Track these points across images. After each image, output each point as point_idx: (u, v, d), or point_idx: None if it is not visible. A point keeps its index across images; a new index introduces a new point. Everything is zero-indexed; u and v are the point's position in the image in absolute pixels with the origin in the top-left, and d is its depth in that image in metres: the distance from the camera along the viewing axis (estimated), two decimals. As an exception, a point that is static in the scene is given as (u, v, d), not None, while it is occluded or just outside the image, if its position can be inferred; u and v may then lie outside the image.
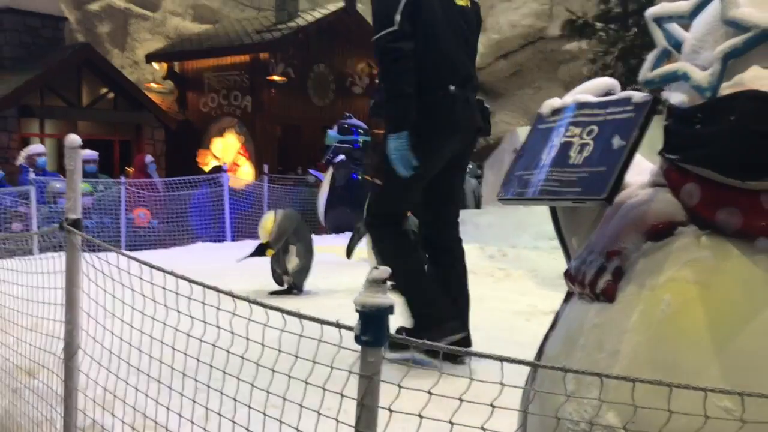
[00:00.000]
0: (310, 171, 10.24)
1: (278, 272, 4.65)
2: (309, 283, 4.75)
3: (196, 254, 6.93)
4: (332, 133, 8.76)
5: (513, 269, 5.96)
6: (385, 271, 1.31)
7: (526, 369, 1.56)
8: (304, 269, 4.62)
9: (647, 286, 1.36)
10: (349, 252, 4.98)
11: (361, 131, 8.86)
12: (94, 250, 2.19)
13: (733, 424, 1.16)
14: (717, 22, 1.38)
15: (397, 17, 2.92)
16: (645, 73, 1.45)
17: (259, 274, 4.74)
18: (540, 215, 8.11)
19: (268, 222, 4.56)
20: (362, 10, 16.64)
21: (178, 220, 8.46)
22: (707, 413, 1.15)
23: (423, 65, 3.00)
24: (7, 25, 13.56)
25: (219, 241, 7.67)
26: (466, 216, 10.01)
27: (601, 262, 1.44)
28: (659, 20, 1.48)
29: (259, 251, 4.44)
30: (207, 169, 12.76)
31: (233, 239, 8.29)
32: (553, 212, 1.72)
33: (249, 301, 1.48)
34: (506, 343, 3.31)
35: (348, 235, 5.85)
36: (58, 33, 14.50)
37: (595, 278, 1.43)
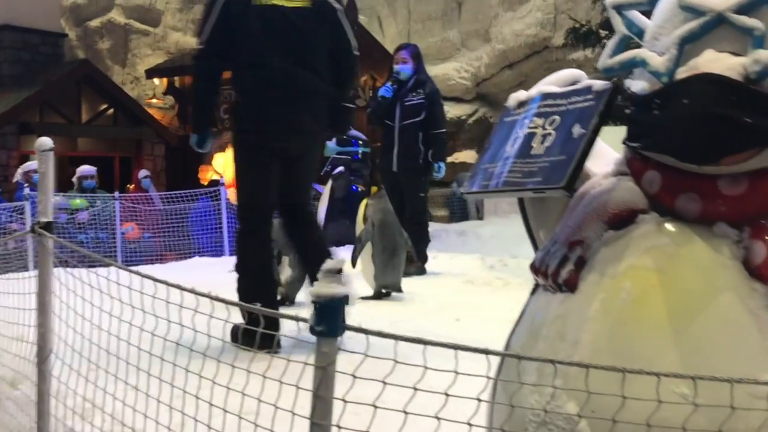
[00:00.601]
0: (309, 183, 10.23)
1: (271, 283, 4.61)
2: (302, 295, 4.72)
3: (192, 268, 6.92)
4: (331, 144, 8.76)
5: (512, 278, 5.92)
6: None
7: (491, 361, 1.54)
8: (297, 280, 4.58)
9: (608, 275, 1.35)
10: (354, 261, 4.98)
11: (361, 142, 8.87)
12: (67, 264, 2.17)
13: (688, 409, 1.14)
14: (675, 8, 1.37)
15: (204, 35, 3.26)
16: (604, 60, 1.44)
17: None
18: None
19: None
20: (364, 23, 16.73)
21: (175, 235, 8.46)
22: (664, 399, 1.14)
23: (242, 73, 3.35)
24: (6, 43, 13.65)
25: (217, 255, 7.66)
26: (467, 227, 10.07)
27: (563, 252, 1.43)
28: (619, 7, 1.48)
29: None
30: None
31: (231, 253, 8.29)
32: (521, 205, 1.71)
33: (210, 297, 1.47)
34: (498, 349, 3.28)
35: (349, 248, 5.82)
36: (58, 50, 14.60)
37: (558, 268, 1.42)
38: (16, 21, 13.63)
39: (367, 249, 4.94)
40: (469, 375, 1.23)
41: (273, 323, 2.48)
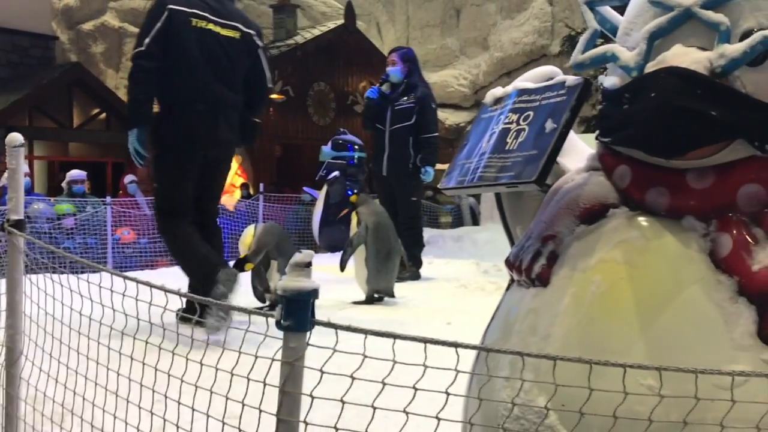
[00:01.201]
0: (305, 189, 10.22)
1: (260, 289, 4.57)
2: (337, 306, 4.68)
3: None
4: (326, 149, 8.75)
5: (505, 283, 5.88)
6: (309, 254, 1.29)
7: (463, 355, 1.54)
8: (287, 284, 4.56)
9: (579, 269, 1.35)
10: (343, 265, 4.94)
11: (357, 147, 8.85)
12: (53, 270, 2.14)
13: (656, 401, 1.13)
14: (646, 4, 1.38)
15: (147, 40, 3.64)
16: (576, 56, 1.44)
17: (242, 291, 4.69)
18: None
19: (248, 236, 4.49)
20: (362, 28, 16.77)
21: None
22: (632, 391, 1.13)
23: (174, 84, 3.73)
24: (-6, 45, 13.38)
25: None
26: (464, 232, 10.04)
27: (537, 247, 1.43)
28: (591, 4, 1.48)
29: (238, 266, 4.35)
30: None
31: (226, 258, 8.25)
32: (499, 201, 1.71)
33: (179, 294, 1.46)
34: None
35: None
36: (49, 53, 14.32)
37: (531, 263, 1.42)
38: (5, 23, 13.35)
39: (361, 253, 4.90)
40: (437, 368, 1.23)
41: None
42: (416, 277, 6.16)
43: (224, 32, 3.87)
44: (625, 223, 1.34)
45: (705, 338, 1.18)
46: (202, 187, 3.96)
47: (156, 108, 3.93)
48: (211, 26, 3.81)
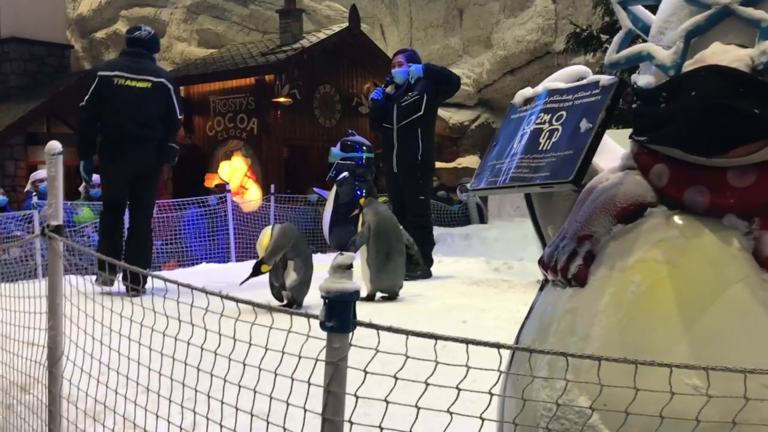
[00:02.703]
0: (315, 189, 10.24)
1: (276, 287, 4.61)
2: (308, 299, 4.73)
3: (199, 275, 6.92)
4: (335, 150, 8.76)
5: (517, 281, 5.91)
6: (350, 257, 1.30)
7: (504, 358, 1.54)
8: (303, 284, 4.58)
9: (617, 268, 1.35)
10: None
11: (365, 148, 8.85)
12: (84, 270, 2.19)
13: (701, 401, 1.14)
14: (681, 2, 1.38)
15: (86, 98, 5.47)
16: (610, 55, 1.44)
17: (259, 290, 4.72)
18: (545, 227, 8.13)
19: (265, 238, 4.52)
20: (367, 31, 16.78)
21: (181, 242, 8.47)
22: (676, 391, 1.14)
23: (104, 125, 5.47)
24: (13, 55, 13.73)
25: (223, 261, 7.66)
26: (472, 231, 10.05)
27: (572, 247, 1.43)
28: (625, 3, 1.48)
29: (256, 270, 4.38)
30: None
31: (237, 260, 8.29)
32: (529, 201, 1.71)
33: (221, 296, 1.48)
34: (506, 351, 3.27)
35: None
36: (64, 61, 14.68)
37: (567, 263, 1.42)
38: (23, 33, 13.73)
39: (365, 253, 4.98)
40: (480, 369, 1.23)
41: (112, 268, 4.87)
42: (427, 275, 6.16)
43: (138, 84, 5.47)
44: (664, 222, 1.34)
45: (751, 337, 1.18)
46: (134, 197, 5.57)
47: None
48: (128, 82, 5.45)
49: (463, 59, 19.02)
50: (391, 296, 5.04)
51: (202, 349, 1.54)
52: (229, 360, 1.47)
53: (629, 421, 1.19)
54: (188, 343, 1.57)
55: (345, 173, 8.19)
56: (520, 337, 1.54)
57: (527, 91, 1.68)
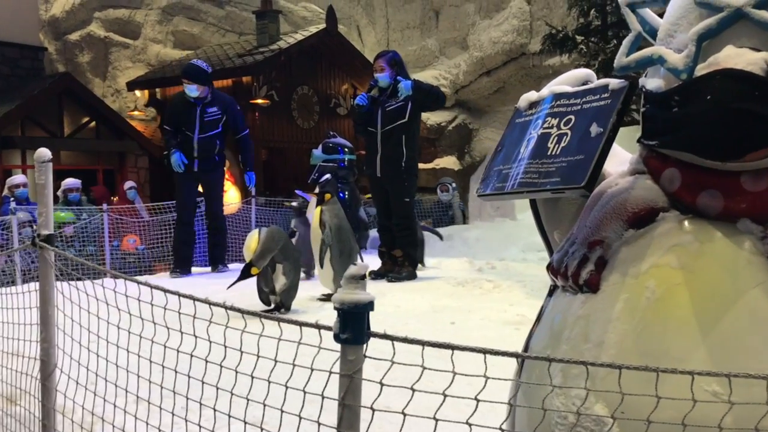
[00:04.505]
0: (297, 192, 10.17)
1: (265, 291, 4.57)
2: (296, 302, 4.70)
3: (183, 279, 6.85)
4: (317, 152, 8.72)
5: (501, 281, 5.92)
6: (364, 267, 1.28)
7: (512, 366, 1.53)
8: (291, 288, 4.56)
9: (631, 274, 1.34)
10: (321, 262, 5.05)
11: (347, 150, 8.82)
12: (73, 279, 2.13)
13: (721, 408, 1.13)
14: (690, 4, 1.37)
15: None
16: (620, 58, 1.43)
17: (246, 295, 4.67)
18: (528, 228, 8.15)
19: (253, 241, 4.49)
20: (344, 32, 16.74)
21: (164, 246, 8.37)
22: (697, 398, 1.12)
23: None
24: (-15, 57, 13.55)
25: (207, 265, 7.57)
26: (454, 231, 10.05)
27: (583, 253, 1.42)
28: (633, 6, 1.47)
29: (245, 273, 4.33)
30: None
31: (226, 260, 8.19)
32: (534, 207, 1.69)
33: (225, 307, 1.44)
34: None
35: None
36: (38, 63, 14.48)
37: (578, 269, 1.41)
38: (-5, 36, 13.54)
39: (326, 253, 5.07)
40: (497, 379, 1.21)
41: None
42: (413, 276, 6.15)
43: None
44: (677, 227, 1.33)
45: (769, 342, 1.18)
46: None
47: None
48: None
49: (440, 60, 19.04)
50: None
51: (206, 362, 1.50)
52: (236, 372, 1.44)
53: (650, 429, 1.18)
54: (191, 355, 1.54)
55: (327, 175, 8.14)
56: (530, 344, 1.52)
57: (532, 95, 1.66)
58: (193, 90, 6.87)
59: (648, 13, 1.50)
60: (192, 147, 6.94)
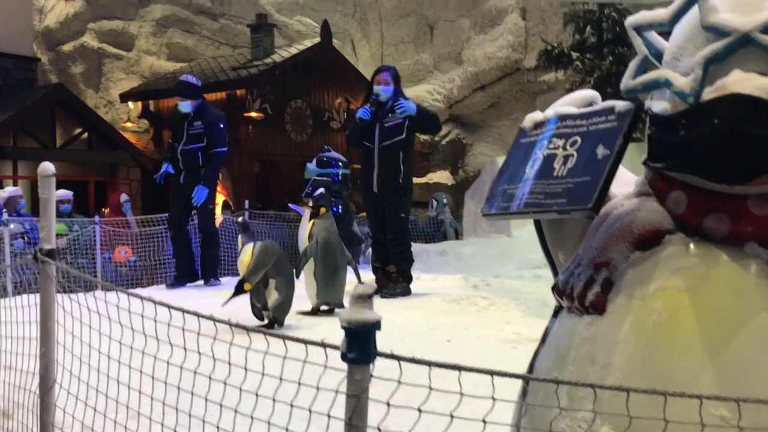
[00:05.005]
0: (291, 205, 10.17)
1: (258, 307, 4.54)
2: (289, 317, 4.68)
3: (175, 292, 6.82)
4: (311, 166, 8.73)
5: (497, 298, 5.92)
6: (371, 286, 1.27)
7: (517, 387, 1.52)
8: (284, 303, 4.53)
9: (637, 296, 1.34)
10: (297, 273, 5.07)
11: (341, 164, 8.84)
12: (72, 291, 2.12)
13: (728, 432, 1.13)
14: (697, 28, 1.38)
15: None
16: (627, 81, 1.44)
17: (239, 310, 4.65)
18: (523, 244, 8.16)
19: (246, 256, 4.46)
20: (338, 46, 16.80)
21: (156, 259, 8.34)
22: (704, 422, 1.12)
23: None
24: (-21, 68, 13.54)
25: (199, 278, 7.54)
26: (448, 247, 10.06)
27: (589, 274, 1.42)
28: (639, 29, 1.48)
29: (239, 289, 4.30)
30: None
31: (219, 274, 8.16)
32: (538, 227, 1.69)
33: (230, 324, 1.43)
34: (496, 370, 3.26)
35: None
36: (31, 74, 14.50)
37: (584, 291, 1.41)
38: (-11, 46, 13.55)
39: (310, 267, 5.14)
40: (506, 401, 1.21)
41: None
42: (407, 292, 6.14)
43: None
44: (683, 249, 1.34)
45: (777, 367, 1.18)
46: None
47: None
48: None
49: (434, 75, 19.15)
50: (338, 307, 5.22)
51: (210, 379, 1.49)
52: (240, 390, 1.43)
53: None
54: (195, 372, 1.53)
55: (321, 189, 8.15)
56: (535, 365, 1.52)
57: (537, 115, 1.66)
58: (187, 106, 7.00)
59: (654, 35, 1.50)
60: (177, 158, 7.07)
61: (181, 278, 7.03)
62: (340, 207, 8.46)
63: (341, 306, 5.23)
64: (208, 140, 7.04)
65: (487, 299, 5.87)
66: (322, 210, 5.41)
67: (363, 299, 1.23)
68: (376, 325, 1.23)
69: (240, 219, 7.37)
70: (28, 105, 13.23)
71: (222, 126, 7.27)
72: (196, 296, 6.38)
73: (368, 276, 7.49)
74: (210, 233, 7.22)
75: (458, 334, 4.46)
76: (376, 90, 6.18)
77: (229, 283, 7.06)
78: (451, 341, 4.27)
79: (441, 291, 6.39)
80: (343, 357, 1.22)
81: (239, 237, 6.82)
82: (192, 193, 6.98)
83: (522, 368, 1.67)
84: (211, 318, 1.45)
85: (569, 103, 1.64)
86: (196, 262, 7.27)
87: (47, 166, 1.90)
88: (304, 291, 5.19)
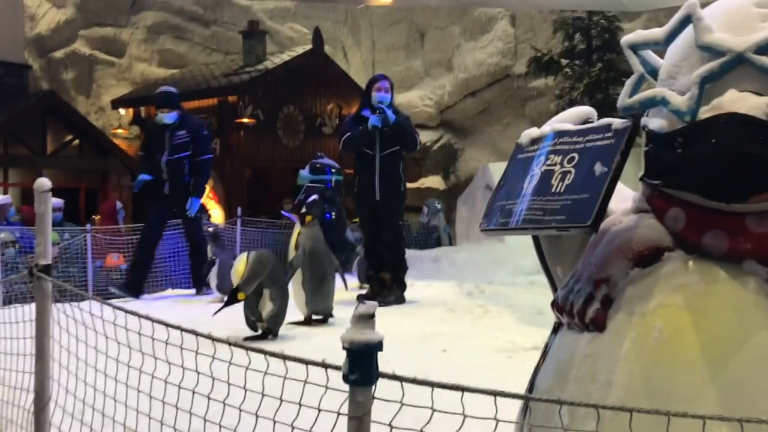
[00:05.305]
0: (283, 212, 10.16)
1: (252, 318, 4.52)
2: (284, 328, 4.66)
3: (167, 301, 6.80)
4: (304, 173, 8.73)
5: (491, 305, 5.92)
6: (373, 306, 1.27)
7: (518, 403, 1.53)
8: (279, 313, 4.52)
9: (637, 313, 1.35)
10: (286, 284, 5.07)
11: (334, 170, 8.85)
12: (60, 300, 2.11)
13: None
14: (692, 47, 1.39)
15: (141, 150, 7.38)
16: (624, 99, 1.45)
17: (233, 320, 4.63)
18: (516, 251, 8.16)
19: (240, 265, 4.44)
20: (329, 53, 16.82)
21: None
22: (706, 440, 1.13)
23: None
24: (-31, 75, 13.49)
25: (190, 287, 7.52)
26: (441, 253, 10.06)
27: (588, 291, 1.42)
28: (635, 47, 1.49)
29: (232, 298, 4.29)
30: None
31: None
32: (536, 242, 1.70)
33: (229, 343, 1.43)
34: (492, 381, 3.26)
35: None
36: (22, 81, 14.45)
37: (584, 307, 1.41)
38: (-20, 53, 13.51)
39: (298, 277, 5.11)
40: (509, 422, 1.21)
41: None
42: (401, 300, 6.14)
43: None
44: (683, 267, 1.34)
45: (779, 385, 1.18)
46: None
47: None
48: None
49: (425, 81, 19.20)
50: (327, 316, 5.19)
51: (209, 398, 1.48)
52: (240, 410, 1.43)
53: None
54: (193, 392, 1.52)
55: (314, 196, 8.13)
56: (535, 382, 1.52)
57: (534, 131, 1.67)
58: (171, 117, 6.94)
59: (649, 54, 1.52)
60: (161, 169, 6.96)
61: (131, 289, 6.76)
62: (333, 213, 8.46)
63: (331, 315, 5.22)
64: (194, 148, 6.99)
65: (481, 307, 5.88)
66: (308, 218, 5.37)
67: (365, 319, 1.23)
68: (379, 345, 1.23)
69: (210, 229, 7.31)
70: (18, 112, 13.20)
71: (206, 133, 7.29)
72: (187, 307, 6.35)
73: (354, 284, 7.51)
74: (199, 242, 7.16)
75: (454, 344, 4.46)
76: (378, 98, 6.13)
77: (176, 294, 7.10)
78: (447, 351, 4.27)
79: (435, 298, 6.39)
80: (345, 379, 1.21)
81: (209, 247, 6.81)
82: (183, 205, 6.94)
83: (517, 378, 1.67)
84: (209, 337, 1.45)
85: (566, 120, 1.64)
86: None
87: (44, 182, 1.89)
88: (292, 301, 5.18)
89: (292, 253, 5.23)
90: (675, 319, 1.29)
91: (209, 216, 10.97)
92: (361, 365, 1.21)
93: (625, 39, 1.48)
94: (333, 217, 8.43)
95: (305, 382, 1.32)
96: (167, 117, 6.94)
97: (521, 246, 8.34)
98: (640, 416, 1.17)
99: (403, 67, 19.07)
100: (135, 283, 6.86)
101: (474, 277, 7.77)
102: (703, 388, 1.23)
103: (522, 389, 1.52)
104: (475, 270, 8.20)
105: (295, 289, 5.12)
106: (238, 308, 4.50)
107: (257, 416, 1.38)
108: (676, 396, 1.24)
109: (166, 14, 17.98)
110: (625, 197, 1.56)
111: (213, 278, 6.54)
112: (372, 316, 1.24)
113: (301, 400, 1.31)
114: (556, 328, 1.55)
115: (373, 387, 1.23)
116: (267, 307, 4.47)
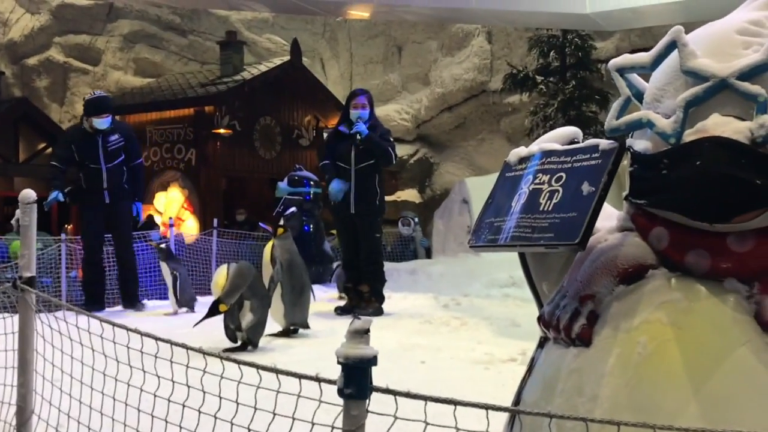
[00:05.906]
0: (261, 224, 10.14)
1: (231, 328, 4.52)
2: (263, 340, 4.66)
3: (143, 312, 6.74)
4: (283, 185, 8.73)
5: (468, 317, 5.97)
6: (368, 321, 1.30)
7: (503, 416, 1.55)
8: (259, 324, 4.52)
9: (623, 329, 1.38)
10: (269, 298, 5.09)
11: (312, 183, 8.86)
12: (41, 311, 2.10)
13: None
14: (677, 72, 1.44)
15: (56, 160, 7.07)
16: (610, 121, 1.49)
17: (211, 331, 4.62)
18: (490, 264, 8.24)
19: (221, 277, 4.44)
20: (307, 64, 16.84)
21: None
22: (690, 454, 1.16)
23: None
24: (-59, 81, 13.31)
25: (166, 297, 7.46)
26: (418, 265, 10.11)
27: (575, 307, 1.46)
28: (622, 71, 1.54)
29: (213, 310, 4.28)
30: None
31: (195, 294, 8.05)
32: (522, 258, 1.74)
33: (221, 357, 1.44)
34: (470, 392, 3.29)
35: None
36: (-6, 88, 14.28)
37: (570, 323, 1.45)
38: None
39: (276, 289, 5.11)
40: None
41: None
42: (379, 312, 6.16)
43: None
44: (666, 284, 1.38)
45: (759, 399, 1.23)
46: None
47: None
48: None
49: (402, 95, 19.30)
50: (303, 327, 5.25)
51: (199, 413, 1.49)
52: (231, 424, 1.44)
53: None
54: (183, 405, 1.53)
55: (293, 208, 8.14)
56: (522, 396, 1.55)
57: (522, 151, 1.71)
58: (106, 122, 6.68)
59: (635, 77, 1.56)
60: (101, 179, 6.66)
61: (94, 305, 6.44)
62: (311, 226, 8.46)
63: (307, 326, 5.26)
64: (127, 153, 6.78)
65: (458, 319, 5.92)
66: (280, 231, 5.36)
67: (359, 334, 1.26)
68: (373, 360, 1.25)
69: (162, 245, 7.10)
70: (-10, 119, 13.05)
71: (135, 136, 7.11)
72: (166, 320, 6.31)
73: (332, 295, 7.51)
74: (130, 253, 6.89)
75: (432, 355, 4.49)
76: (356, 114, 6.18)
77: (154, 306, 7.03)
78: (425, 362, 4.30)
79: (413, 311, 6.43)
80: (340, 392, 1.23)
81: (162, 264, 6.58)
82: (122, 213, 6.73)
83: (495, 390, 1.70)
84: (200, 351, 1.46)
85: (553, 140, 1.68)
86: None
87: (29, 193, 1.89)
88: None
89: (267, 266, 5.22)
90: (659, 334, 1.33)
91: (159, 229, 10.84)
92: (356, 379, 1.23)
93: (613, 62, 1.53)
94: (311, 229, 8.43)
95: (298, 395, 1.33)
96: (102, 122, 6.66)
97: (495, 259, 8.45)
98: (627, 429, 1.21)
99: (380, 81, 19.15)
100: (95, 298, 6.61)
101: (450, 289, 7.82)
102: (687, 402, 1.27)
103: (500, 400, 1.55)
104: (451, 282, 8.26)
105: (273, 301, 5.11)
106: (216, 319, 4.49)
107: (249, 430, 1.39)
108: (660, 409, 1.27)
109: (143, 23, 17.88)
110: (609, 215, 1.60)
111: (174, 293, 6.46)
112: (367, 331, 1.27)
113: (294, 413, 1.33)
114: (542, 343, 1.58)
115: (368, 401, 1.25)
116: (247, 318, 4.47)
